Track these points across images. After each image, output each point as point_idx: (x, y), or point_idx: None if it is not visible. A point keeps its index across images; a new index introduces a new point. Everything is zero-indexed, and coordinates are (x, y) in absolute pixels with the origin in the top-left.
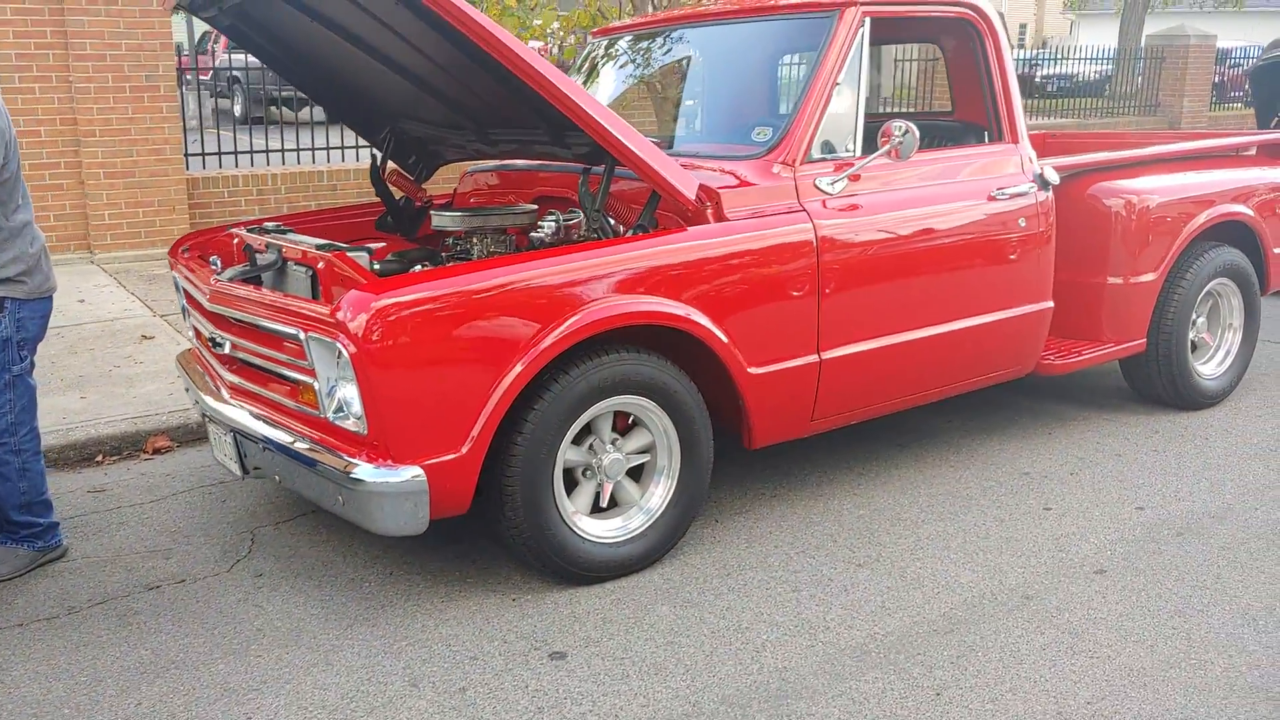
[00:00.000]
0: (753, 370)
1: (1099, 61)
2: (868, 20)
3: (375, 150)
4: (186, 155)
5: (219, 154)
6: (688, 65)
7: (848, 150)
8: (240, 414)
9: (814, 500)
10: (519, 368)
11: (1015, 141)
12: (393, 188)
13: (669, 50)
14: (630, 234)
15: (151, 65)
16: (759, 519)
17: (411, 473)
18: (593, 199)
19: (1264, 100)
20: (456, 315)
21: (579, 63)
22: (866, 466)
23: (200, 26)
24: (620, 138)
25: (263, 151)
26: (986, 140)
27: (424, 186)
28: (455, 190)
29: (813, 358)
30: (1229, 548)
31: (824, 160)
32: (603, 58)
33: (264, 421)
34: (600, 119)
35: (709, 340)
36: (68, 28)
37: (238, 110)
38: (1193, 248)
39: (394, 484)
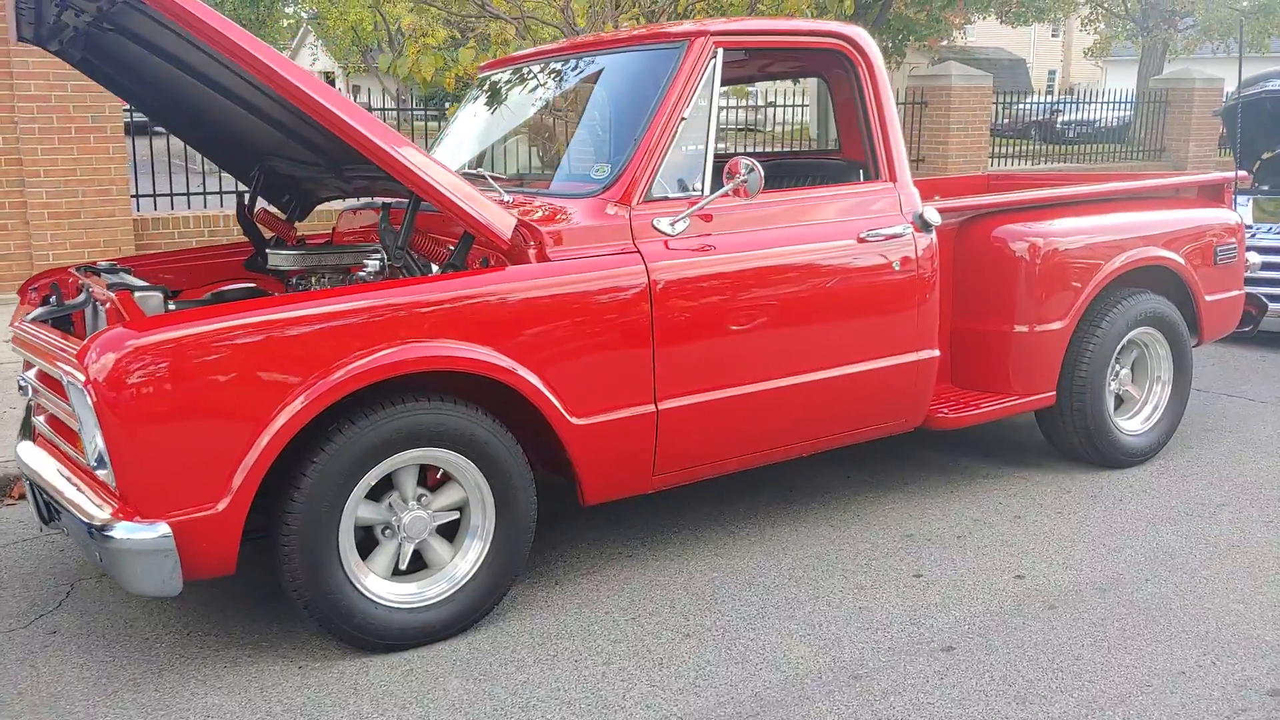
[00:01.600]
0: (577, 421)
1: (1120, 106)
2: (720, 51)
3: (245, 188)
4: (137, 195)
5: (170, 195)
6: (559, 100)
7: (695, 189)
8: (36, 460)
9: (669, 561)
10: (284, 418)
11: (893, 180)
12: (262, 227)
13: (539, 86)
14: (439, 273)
15: (98, 106)
16: (602, 581)
17: (160, 530)
18: (395, 235)
19: (1245, 140)
20: (212, 357)
21: (468, 101)
22: (742, 523)
23: None
24: (419, 171)
25: (215, 192)
26: (863, 179)
27: (296, 225)
28: (334, 228)
29: (648, 408)
30: (1101, 623)
31: (666, 200)
32: (487, 94)
33: (58, 470)
34: (393, 150)
35: (521, 387)
36: (13, 69)
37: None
38: (1107, 295)
39: (141, 541)
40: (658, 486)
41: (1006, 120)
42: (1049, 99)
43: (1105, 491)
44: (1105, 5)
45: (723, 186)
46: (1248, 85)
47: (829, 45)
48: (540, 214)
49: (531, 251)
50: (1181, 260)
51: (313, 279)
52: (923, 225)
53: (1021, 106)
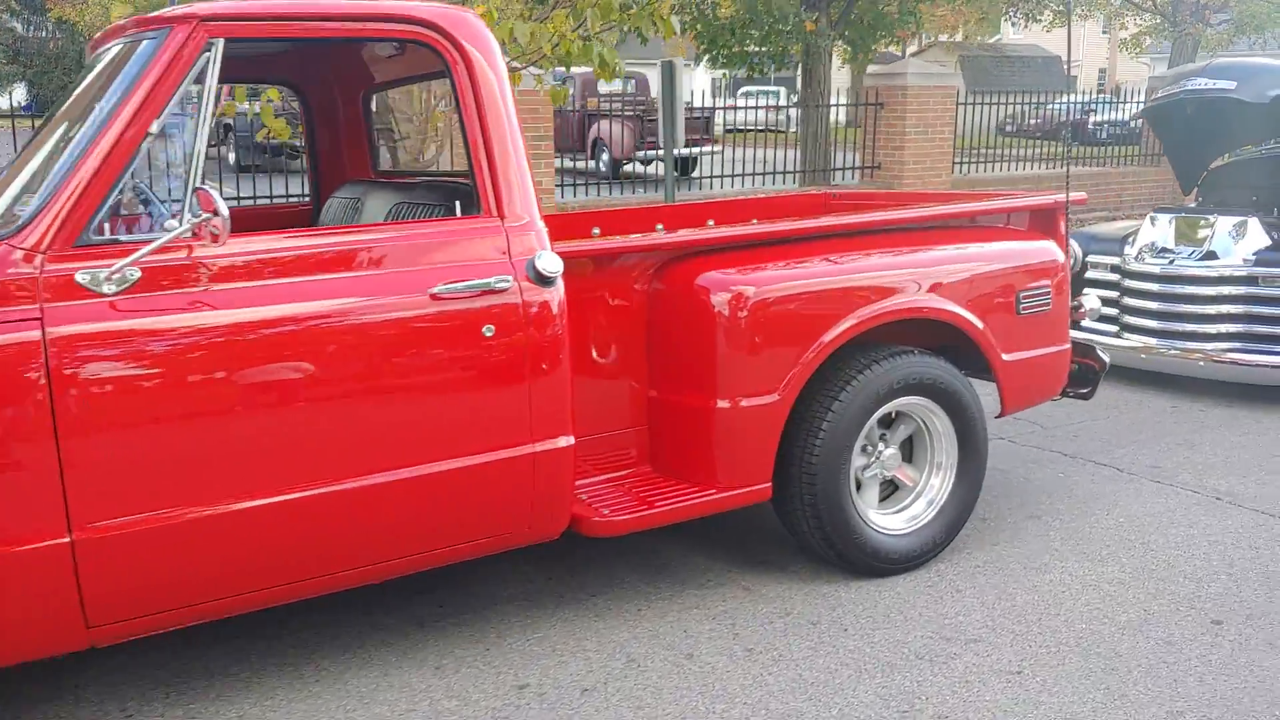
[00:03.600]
0: None
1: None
2: (219, 43)
3: None
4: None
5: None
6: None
7: (165, 230)
8: None
9: None
10: None
11: (500, 215)
12: None
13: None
14: None
15: None
16: None
17: None
18: None
19: (1177, 149)
20: None
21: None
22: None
23: None
24: None
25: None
26: (459, 212)
27: None
28: None
29: (60, 539)
30: None
31: (116, 245)
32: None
33: None
34: None
35: None
36: None
37: (231, 158)
38: (846, 357)
39: None
40: (105, 639)
41: (1036, 121)
42: (1077, 99)
43: (837, 614)
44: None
45: (179, 227)
46: (1166, 84)
47: (410, 35)
48: None
49: None
50: (962, 310)
51: None
52: (538, 278)
53: (1055, 106)
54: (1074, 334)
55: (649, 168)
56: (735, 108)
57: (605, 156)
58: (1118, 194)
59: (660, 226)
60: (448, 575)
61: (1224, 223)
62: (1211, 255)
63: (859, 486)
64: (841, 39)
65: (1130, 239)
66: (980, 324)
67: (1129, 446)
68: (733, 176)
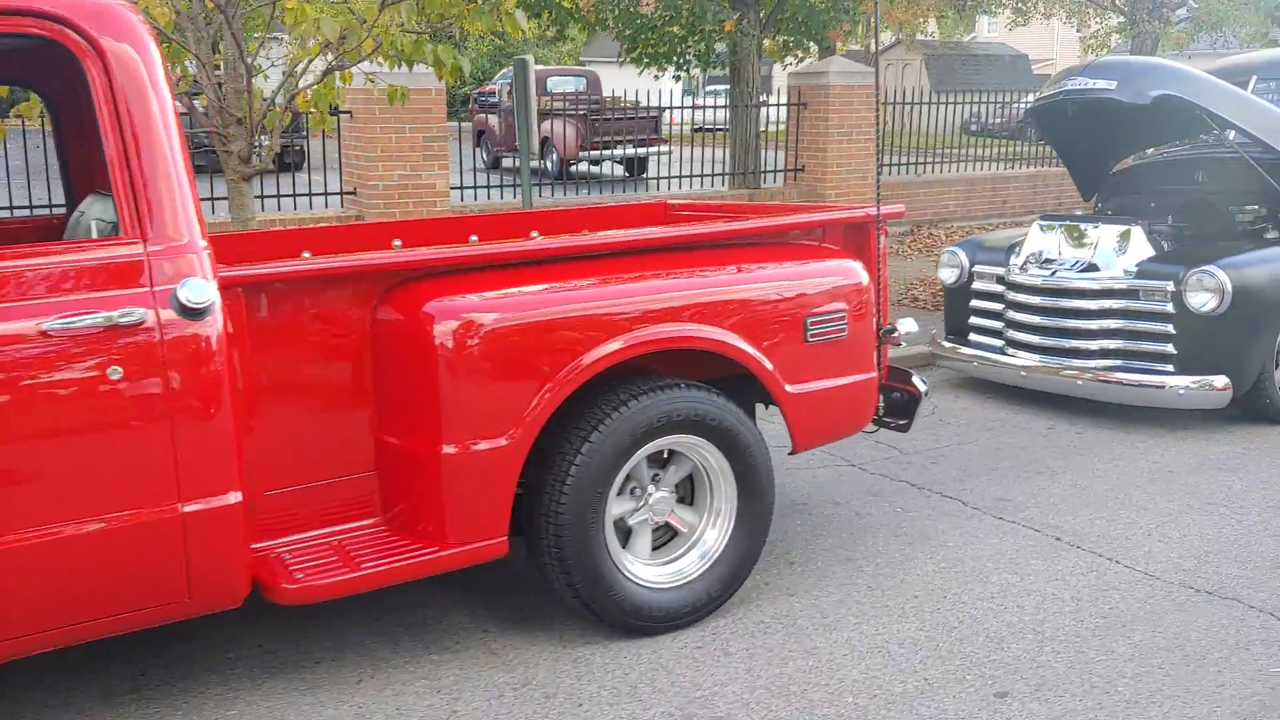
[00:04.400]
0: None
1: None
2: None
3: None
4: None
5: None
6: None
7: None
8: None
9: None
10: None
11: (141, 237)
12: None
13: None
14: None
15: None
16: None
17: None
18: None
19: (1068, 148)
20: None
21: None
22: None
23: None
24: None
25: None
26: (114, 234)
27: None
28: None
29: None
30: None
31: None
32: None
33: None
34: None
35: None
36: None
37: None
38: (595, 393)
39: None
40: None
41: (998, 121)
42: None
43: (579, 684)
44: None
45: None
46: (1050, 84)
47: (22, 28)
48: None
49: None
50: (733, 338)
51: None
52: (181, 309)
53: (1020, 105)
54: (940, 351)
55: (600, 168)
56: (682, 107)
57: (554, 157)
58: (1056, 195)
59: (398, 243)
60: (163, 635)
61: (1107, 232)
62: (1093, 267)
63: (629, 534)
64: (772, 38)
65: (1016, 248)
66: (757, 353)
67: (985, 476)
68: (671, 178)
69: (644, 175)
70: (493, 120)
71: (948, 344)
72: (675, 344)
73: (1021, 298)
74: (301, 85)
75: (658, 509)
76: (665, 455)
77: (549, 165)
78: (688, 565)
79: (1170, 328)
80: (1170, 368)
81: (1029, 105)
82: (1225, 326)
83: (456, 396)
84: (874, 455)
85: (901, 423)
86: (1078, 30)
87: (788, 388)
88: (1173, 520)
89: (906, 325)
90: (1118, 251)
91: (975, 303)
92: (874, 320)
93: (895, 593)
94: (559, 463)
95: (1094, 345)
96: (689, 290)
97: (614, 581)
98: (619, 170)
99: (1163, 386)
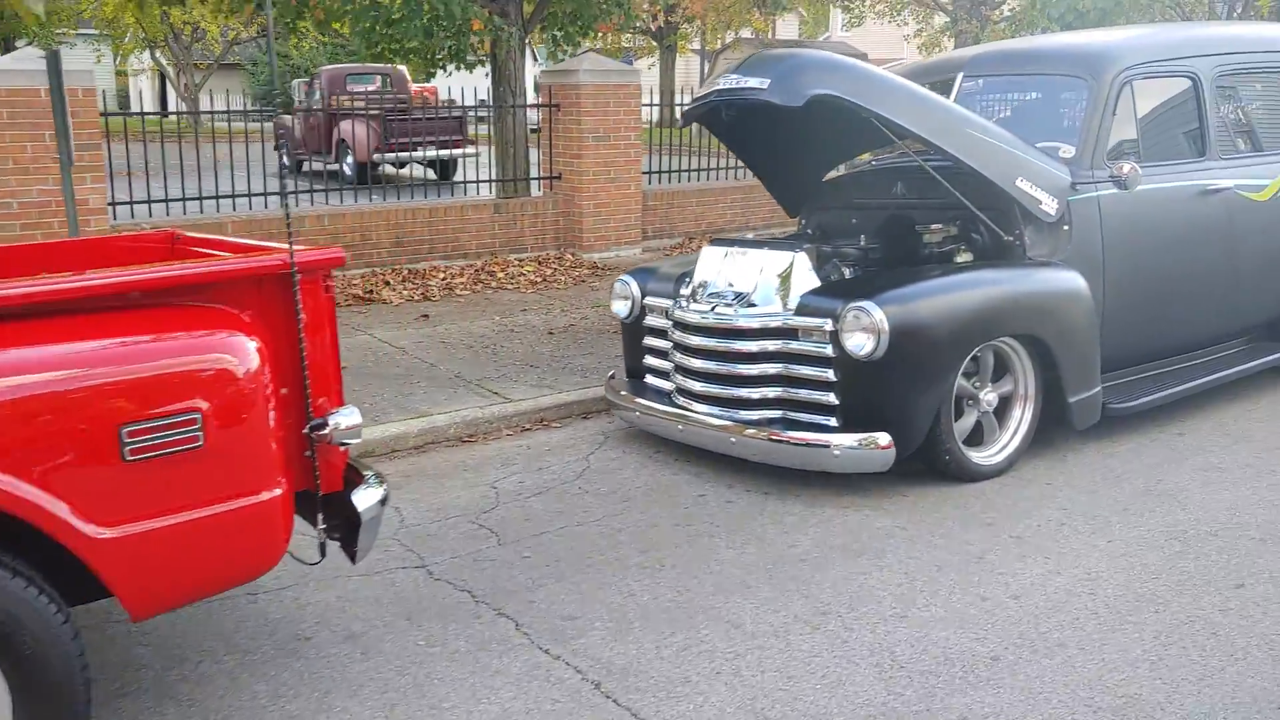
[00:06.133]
0: None
1: None
2: None
3: None
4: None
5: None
6: None
7: None
8: None
9: None
10: None
11: None
12: None
13: None
14: None
15: None
16: None
17: None
18: None
19: (752, 156)
20: None
21: None
22: None
23: None
24: None
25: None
26: None
27: None
28: None
29: None
30: None
31: None
32: None
33: None
34: None
35: None
36: None
37: None
38: None
39: None
40: None
41: None
42: None
43: None
44: None
45: None
46: (705, 84)
47: None
48: None
49: None
50: None
51: None
52: None
53: None
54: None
55: (404, 170)
56: (476, 106)
57: (350, 159)
58: (771, 210)
59: None
60: None
61: (771, 259)
62: (752, 303)
63: None
64: (539, 33)
65: (687, 278)
66: (30, 489)
67: (570, 579)
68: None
69: (450, 179)
70: (291, 122)
71: (623, 390)
72: None
73: (681, 337)
74: None
75: None
76: None
77: (345, 168)
78: None
79: (831, 374)
80: (834, 421)
81: (684, 109)
82: (886, 373)
83: None
84: (464, 547)
85: (351, 551)
86: (904, 30)
87: (91, 531)
88: (759, 648)
89: (347, 417)
90: (779, 284)
91: (647, 340)
92: (271, 417)
93: None
94: None
95: (755, 394)
96: None
97: None
98: (430, 174)
99: (827, 446)
